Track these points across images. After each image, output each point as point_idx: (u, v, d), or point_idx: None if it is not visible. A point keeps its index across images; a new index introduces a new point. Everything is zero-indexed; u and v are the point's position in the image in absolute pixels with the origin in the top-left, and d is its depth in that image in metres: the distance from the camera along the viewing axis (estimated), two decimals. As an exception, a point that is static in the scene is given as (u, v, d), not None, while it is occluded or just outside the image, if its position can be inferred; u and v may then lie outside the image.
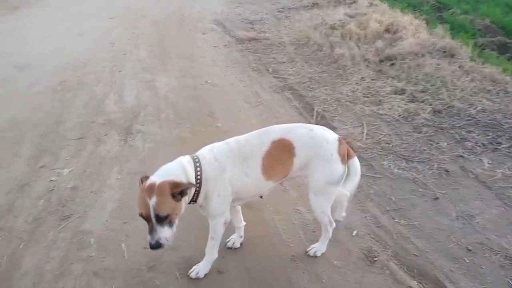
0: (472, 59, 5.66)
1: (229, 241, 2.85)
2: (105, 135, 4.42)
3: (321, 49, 6.79)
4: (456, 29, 6.91)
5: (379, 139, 4.18)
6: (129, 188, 3.49)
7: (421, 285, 2.53)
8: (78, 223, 3.13)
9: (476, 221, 3.05)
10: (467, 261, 2.70)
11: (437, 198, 3.31)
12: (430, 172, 3.64)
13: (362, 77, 5.59)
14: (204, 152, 2.43)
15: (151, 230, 2.13)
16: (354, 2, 9.08)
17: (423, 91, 5.03)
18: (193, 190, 2.30)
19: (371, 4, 8.66)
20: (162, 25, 9.08)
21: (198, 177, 2.32)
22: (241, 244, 2.86)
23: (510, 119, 4.35)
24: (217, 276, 2.62)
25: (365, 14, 7.72)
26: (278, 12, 9.59)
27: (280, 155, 2.45)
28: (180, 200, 2.18)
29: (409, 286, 2.52)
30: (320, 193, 2.53)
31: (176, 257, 2.74)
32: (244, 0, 10.92)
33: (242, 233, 2.86)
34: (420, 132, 4.24)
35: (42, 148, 4.17)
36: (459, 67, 5.45)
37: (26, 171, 3.80)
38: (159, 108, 5.04)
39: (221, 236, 2.55)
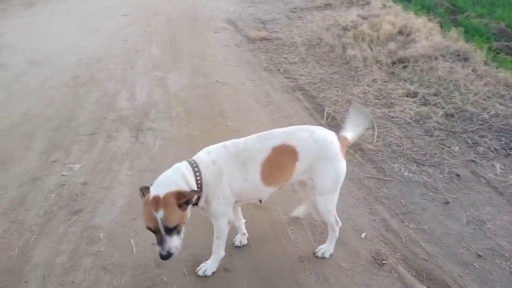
0: (486, 63, 5.59)
1: (235, 240, 2.86)
2: (117, 131, 4.46)
3: (333, 50, 6.76)
4: (471, 33, 6.82)
5: (390, 141, 4.15)
6: (139, 185, 3.48)
7: (429, 290, 2.52)
8: (88, 217, 3.17)
9: (487, 226, 3.02)
10: (477, 266, 2.67)
11: (447, 203, 3.28)
12: (441, 176, 3.61)
13: (374, 79, 5.55)
14: (202, 156, 2.38)
15: (161, 241, 2.11)
16: (367, 3, 9.03)
17: (435, 95, 4.98)
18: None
19: (384, 6, 8.60)
20: (175, 23, 9.13)
21: (199, 182, 2.28)
22: (247, 240, 2.87)
23: (524, 124, 4.28)
24: (224, 274, 2.63)
25: (378, 15, 7.67)
26: (290, 12, 9.57)
27: (281, 161, 2.42)
28: (186, 208, 2.17)
29: (418, 290, 2.51)
30: (327, 193, 2.53)
31: (184, 255, 2.74)
32: (257, 0, 10.94)
33: (244, 230, 2.86)
34: (431, 136, 4.20)
35: (54, 143, 4.23)
36: (473, 71, 5.39)
37: (38, 165, 3.86)
38: (170, 106, 5.06)
39: (226, 234, 2.55)
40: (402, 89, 5.19)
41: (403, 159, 3.86)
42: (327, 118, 4.69)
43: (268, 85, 5.70)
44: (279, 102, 5.17)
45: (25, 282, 2.59)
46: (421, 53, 5.86)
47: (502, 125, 4.29)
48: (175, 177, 2.23)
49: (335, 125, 4.52)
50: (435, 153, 3.92)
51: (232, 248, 2.81)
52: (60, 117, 4.77)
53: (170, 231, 2.10)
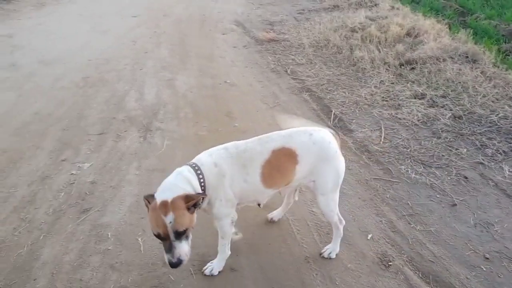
0: (495, 65, 5.56)
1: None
2: (125, 131, 4.50)
3: (341, 51, 6.76)
4: (480, 34, 6.79)
5: (397, 143, 4.15)
6: (147, 184, 3.55)
7: (435, 292, 2.51)
8: (96, 216, 3.20)
9: (495, 229, 3.00)
10: (484, 269, 2.67)
11: (455, 205, 3.27)
12: (449, 178, 3.60)
13: (382, 81, 5.54)
14: (203, 158, 2.39)
15: (170, 248, 2.11)
16: (376, 5, 9.01)
17: (443, 96, 4.96)
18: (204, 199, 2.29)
19: (392, 8, 8.58)
20: (184, 25, 9.18)
21: (202, 184, 2.30)
22: (253, 240, 2.93)
23: (533, 127, 4.25)
24: (231, 273, 2.65)
25: (386, 17, 7.65)
26: (298, 13, 9.59)
27: (281, 163, 2.44)
28: (194, 212, 2.18)
29: (424, 292, 2.51)
30: (328, 193, 2.55)
31: (191, 254, 2.77)
32: (265, 2, 10.97)
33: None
34: (439, 138, 4.19)
35: (64, 142, 4.28)
36: (481, 72, 5.36)
37: (48, 163, 3.91)
38: (178, 107, 5.10)
39: (231, 234, 2.57)
40: (410, 90, 5.17)
41: (410, 161, 3.85)
42: (334, 120, 4.70)
43: (275, 86, 5.71)
44: (286, 103, 5.18)
45: (34, 280, 2.63)
46: (429, 54, 5.84)
47: (511, 127, 4.27)
48: (179, 182, 2.24)
49: (342, 127, 4.53)
50: (443, 155, 3.91)
51: (238, 248, 2.83)
52: (70, 116, 4.83)
53: (179, 235, 2.10)
